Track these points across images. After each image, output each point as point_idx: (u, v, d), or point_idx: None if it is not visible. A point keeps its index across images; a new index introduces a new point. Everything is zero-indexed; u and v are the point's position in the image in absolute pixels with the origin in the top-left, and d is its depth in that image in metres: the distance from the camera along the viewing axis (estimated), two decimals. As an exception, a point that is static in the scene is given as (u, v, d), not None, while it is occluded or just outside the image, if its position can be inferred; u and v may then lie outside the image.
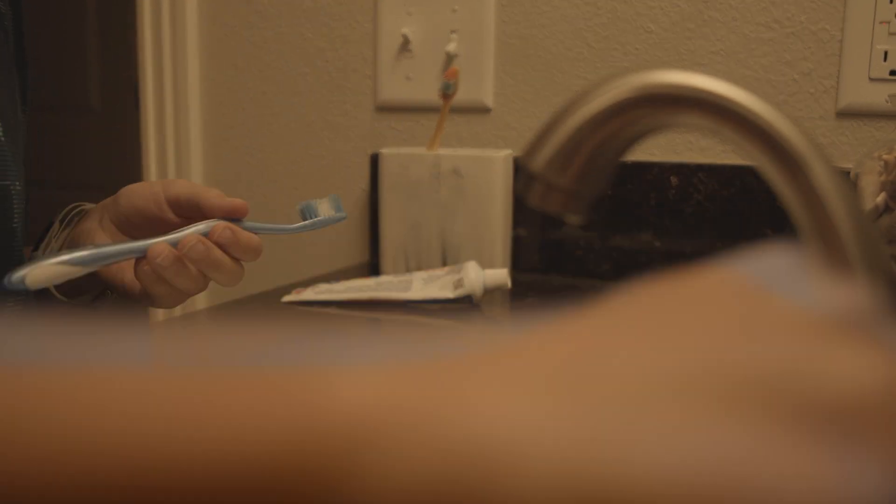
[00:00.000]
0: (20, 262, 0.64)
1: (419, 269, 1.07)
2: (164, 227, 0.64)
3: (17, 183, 0.63)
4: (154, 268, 0.60)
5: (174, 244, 0.61)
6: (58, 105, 1.96)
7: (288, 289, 1.00)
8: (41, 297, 0.69)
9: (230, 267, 0.62)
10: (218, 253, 0.61)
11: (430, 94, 1.17)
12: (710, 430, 0.17)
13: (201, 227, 0.62)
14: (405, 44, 1.20)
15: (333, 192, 0.70)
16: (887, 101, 0.75)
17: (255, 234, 0.63)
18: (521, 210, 1.11)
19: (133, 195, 0.65)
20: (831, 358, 0.19)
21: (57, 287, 0.67)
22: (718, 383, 0.18)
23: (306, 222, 0.66)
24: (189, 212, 0.64)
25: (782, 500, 0.17)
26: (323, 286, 1.00)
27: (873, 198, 0.64)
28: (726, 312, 0.20)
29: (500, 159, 1.06)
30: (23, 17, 0.69)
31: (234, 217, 0.63)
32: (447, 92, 1.06)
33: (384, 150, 1.10)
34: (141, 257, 0.61)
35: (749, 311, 0.20)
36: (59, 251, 0.60)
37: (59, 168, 1.88)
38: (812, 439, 0.18)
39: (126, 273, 0.65)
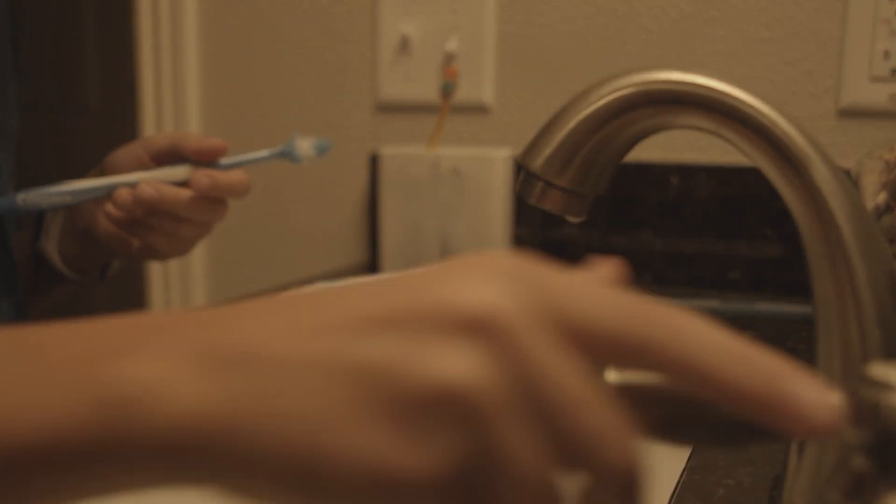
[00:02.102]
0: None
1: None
2: None
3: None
4: (116, 210, 0.62)
5: (133, 185, 0.62)
6: (56, 105, 1.95)
7: (287, 288, 1.00)
8: (48, 279, 0.70)
9: (186, 212, 0.63)
10: (170, 195, 0.61)
11: (430, 94, 1.17)
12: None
13: (170, 170, 0.63)
14: (405, 43, 1.20)
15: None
16: (889, 101, 0.74)
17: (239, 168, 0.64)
18: (521, 210, 1.11)
19: (119, 163, 0.66)
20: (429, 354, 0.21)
21: (66, 264, 0.69)
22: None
23: (275, 150, 0.66)
24: (172, 161, 0.64)
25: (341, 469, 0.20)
26: (322, 285, 1.00)
27: (874, 197, 0.64)
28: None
29: (499, 159, 1.06)
30: (22, 24, 0.69)
31: (215, 158, 0.63)
32: (447, 91, 1.06)
33: (384, 150, 1.10)
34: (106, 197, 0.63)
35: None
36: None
37: (57, 168, 1.88)
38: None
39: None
